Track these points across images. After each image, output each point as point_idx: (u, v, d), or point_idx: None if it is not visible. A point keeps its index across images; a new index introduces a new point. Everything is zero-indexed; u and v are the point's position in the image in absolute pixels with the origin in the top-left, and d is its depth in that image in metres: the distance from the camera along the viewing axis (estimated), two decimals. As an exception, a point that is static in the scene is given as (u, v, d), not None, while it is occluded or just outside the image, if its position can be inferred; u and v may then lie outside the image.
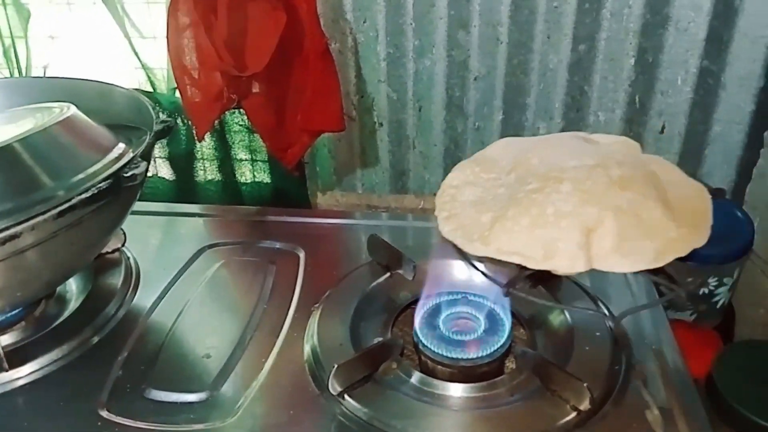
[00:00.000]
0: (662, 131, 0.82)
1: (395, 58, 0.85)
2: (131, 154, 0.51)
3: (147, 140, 0.53)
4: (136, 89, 0.81)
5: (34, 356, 0.52)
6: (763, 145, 0.76)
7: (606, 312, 0.54)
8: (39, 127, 0.50)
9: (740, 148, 0.80)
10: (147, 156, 0.52)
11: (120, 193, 0.49)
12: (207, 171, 0.94)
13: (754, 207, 0.77)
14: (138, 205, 0.65)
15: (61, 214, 0.44)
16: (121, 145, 0.54)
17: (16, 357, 0.52)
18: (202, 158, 0.93)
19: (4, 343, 0.52)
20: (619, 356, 0.50)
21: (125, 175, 0.48)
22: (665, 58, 0.77)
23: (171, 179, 0.94)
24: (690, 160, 0.83)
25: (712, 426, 0.47)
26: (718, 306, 0.61)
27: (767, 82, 0.75)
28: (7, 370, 0.50)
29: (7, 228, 0.42)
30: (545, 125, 0.85)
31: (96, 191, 0.46)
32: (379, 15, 0.82)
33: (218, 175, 0.94)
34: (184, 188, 0.94)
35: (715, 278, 0.59)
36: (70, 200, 0.45)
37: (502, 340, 0.50)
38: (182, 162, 0.92)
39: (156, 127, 0.54)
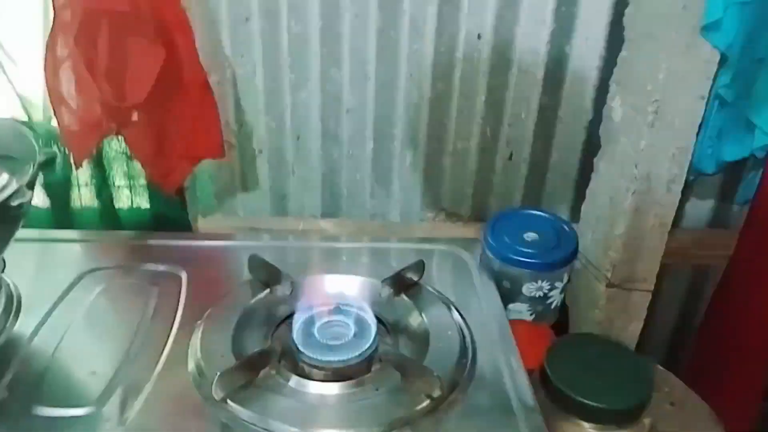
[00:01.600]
0: (510, 158, 0.93)
1: (273, 90, 0.90)
2: (16, 184, 0.53)
3: (32, 170, 0.55)
4: (12, 118, 0.82)
5: None
6: (593, 170, 0.89)
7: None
8: None
9: (575, 172, 0.93)
10: (31, 186, 0.54)
11: (4, 220, 0.51)
12: (84, 198, 0.93)
13: (587, 222, 0.89)
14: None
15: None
16: (5, 175, 0.56)
17: None
18: (79, 185, 0.93)
19: None
20: (466, 351, 0.58)
21: (12, 204, 0.50)
22: (511, 94, 0.88)
23: (47, 207, 0.93)
24: (535, 183, 0.94)
25: (545, 409, 0.56)
26: (552, 306, 0.72)
27: (594, 115, 0.87)
28: None
29: None
30: (411, 153, 0.94)
31: (-20, 219, 0.48)
32: (256, 51, 0.87)
33: (96, 201, 0.94)
34: (61, 216, 0.93)
35: (548, 282, 0.70)
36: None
37: (369, 343, 0.57)
38: (59, 189, 0.92)
39: (39, 158, 0.56)
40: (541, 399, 0.57)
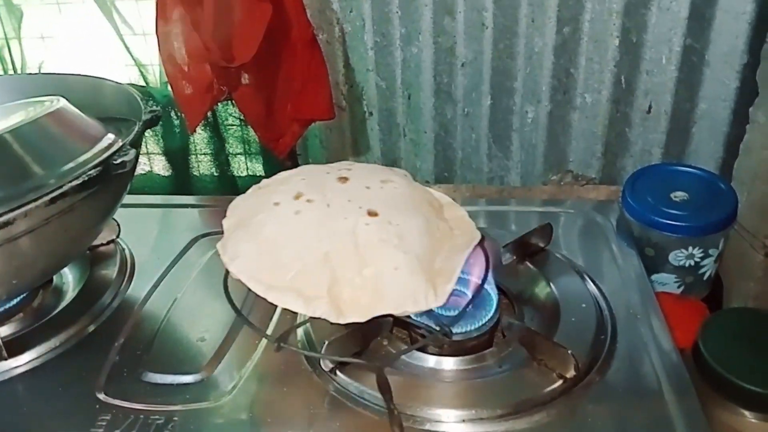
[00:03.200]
0: (649, 111, 0.83)
1: (382, 47, 0.86)
2: (120, 143, 0.52)
3: (136, 129, 0.54)
4: (129, 84, 0.83)
5: (32, 345, 0.53)
6: (748, 120, 0.77)
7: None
8: (29, 118, 0.51)
9: (726, 124, 0.81)
10: (136, 144, 0.53)
11: (110, 180, 0.50)
12: (202, 165, 0.95)
13: (741, 182, 0.78)
14: (132, 198, 0.66)
15: (53, 200, 0.45)
16: (111, 135, 0.55)
17: (14, 346, 0.53)
18: (197, 152, 0.94)
19: (3, 334, 0.53)
20: (604, 327, 0.51)
21: (115, 162, 0.49)
22: (649, 37, 0.78)
23: (167, 174, 0.95)
24: (677, 138, 0.84)
25: (700, 393, 0.48)
26: (705, 278, 0.62)
27: (750, 58, 0.76)
28: (6, 359, 0.51)
29: (1, 215, 0.43)
30: (533, 108, 0.86)
31: (86, 178, 0.47)
32: (365, 4, 0.83)
33: (213, 168, 0.95)
34: (180, 183, 0.95)
35: (701, 249, 0.60)
36: (61, 187, 0.46)
37: (490, 314, 0.51)
38: (177, 157, 0.93)
39: (144, 117, 0.55)
40: (695, 383, 0.49)
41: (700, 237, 0.59)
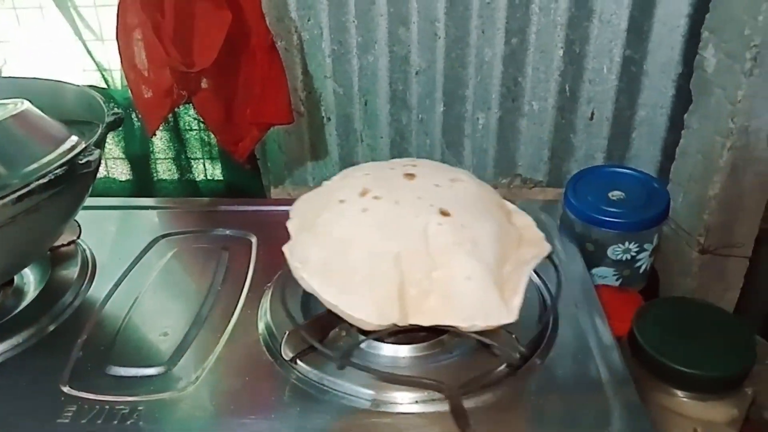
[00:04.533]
0: (591, 117, 0.88)
1: (340, 55, 0.88)
2: (84, 144, 0.53)
3: (100, 130, 0.55)
4: (91, 85, 0.83)
5: (-9, 343, 0.54)
6: (684, 126, 0.82)
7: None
8: (-7, 119, 0.52)
9: (664, 130, 0.86)
10: (99, 145, 0.55)
11: (75, 180, 0.51)
12: (162, 169, 0.95)
13: (678, 183, 0.83)
14: (92, 200, 0.67)
15: (19, 198, 0.47)
16: (74, 137, 0.56)
17: (-28, 346, 0.53)
18: (157, 157, 0.94)
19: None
20: (546, 315, 0.55)
21: (80, 162, 0.50)
22: (591, 48, 0.82)
23: (127, 179, 0.95)
24: (619, 144, 0.89)
25: (636, 377, 0.52)
26: (641, 271, 0.66)
27: (684, 68, 0.81)
28: (-35, 357, 0.52)
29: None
30: (484, 115, 0.90)
31: (53, 177, 0.48)
32: (323, 13, 0.85)
33: (174, 172, 0.96)
34: (140, 187, 0.96)
35: (636, 244, 0.64)
36: (29, 185, 0.47)
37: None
38: (138, 160, 0.94)
39: (107, 119, 0.57)
40: (630, 367, 0.53)
41: (635, 232, 0.64)
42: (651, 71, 0.83)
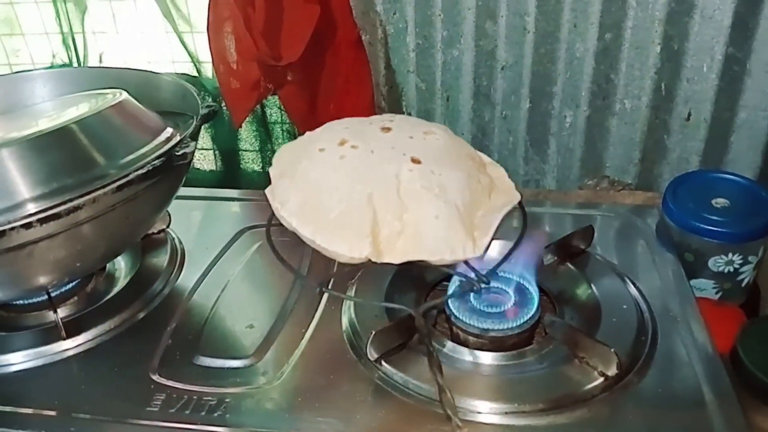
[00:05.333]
0: (688, 118, 0.83)
1: (424, 49, 0.87)
2: (179, 136, 0.54)
3: (195, 122, 0.56)
4: (182, 74, 0.85)
5: (87, 327, 0.56)
6: (788, 131, 0.77)
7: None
8: (94, 110, 0.54)
9: (766, 134, 0.81)
10: (195, 137, 0.55)
11: (171, 170, 0.52)
12: (248, 160, 0.97)
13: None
14: (181, 190, 0.69)
15: (119, 188, 0.48)
16: (169, 129, 0.57)
17: (71, 327, 0.55)
18: (243, 148, 0.96)
19: (60, 315, 0.56)
20: (644, 328, 0.52)
21: (177, 153, 0.51)
22: (691, 45, 0.78)
23: (212, 169, 0.98)
24: (716, 147, 0.84)
25: (739, 399, 0.49)
26: (743, 284, 0.62)
27: (793, 68, 0.76)
28: (65, 339, 0.54)
29: (71, 200, 0.46)
30: (572, 113, 0.87)
31: (151, 168, 0.49)
32: (409, 7, 0.84)
33: (259, 164, 0.97)
34: (227, 177, 0.98)
35: (740, 256, 0.60)
36: (128, 176, 0.48)
37: (531, 313, 0.52)
38: (226, 151, 0.96)
39: (202, 111, 0.57)
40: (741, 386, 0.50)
41: (740, 244, 0.60)
42: (755, 71, 0.78)
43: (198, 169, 0.98)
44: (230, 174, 0.97)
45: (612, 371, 0.46)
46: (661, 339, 0.51)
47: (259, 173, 0.95)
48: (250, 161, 0.95)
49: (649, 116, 0.84)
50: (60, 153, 0.50)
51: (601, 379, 0.47)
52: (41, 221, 0.44)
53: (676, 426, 0.45)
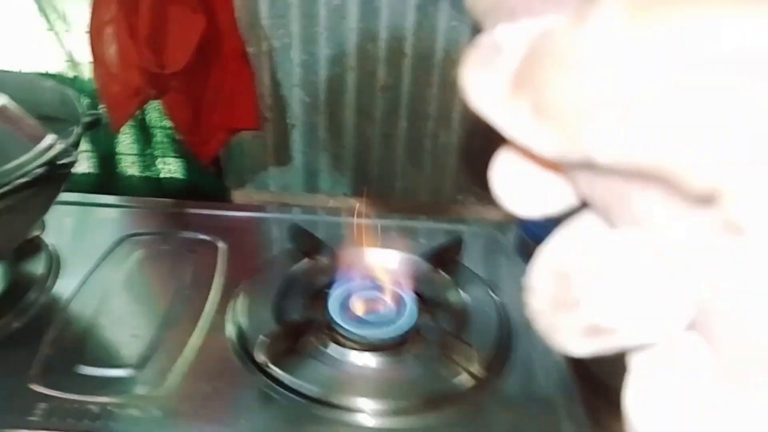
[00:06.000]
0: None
1: (309, 65, 0.90)
2: (63, 144, 0.53)
3: (77, 131, 0.55)
4: (59, 74, 0.82)
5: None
6: None
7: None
8: (-30, 114, 0.52)
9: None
10: (77, 146, 0.55)
11: (51, 179, 0.51)
12: (126, 164, 0.95)
13: None
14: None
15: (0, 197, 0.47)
16: (52, 136, 0.56)
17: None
18: (121, 152, 0.94)
19: None
20: (504, 332, 0.58)
21: (59, 163, 0.51)
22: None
23: (92, 172, 0.95)
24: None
25: (588, 399, 0.56)
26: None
27: None
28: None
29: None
30: (445, 133, 0.94)
31: (33, 177, 0.48)
32: (294, 24, 0.87)
33: (138, 169, 0.95)
34: (104, 181, 0.95)
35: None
36: (7, 184, 0.47)
37: (407, 319, 0.56)
38: (103, 155, 0.93)
39: (84, 119, 0.57)
40: (585, 389, 0.57)
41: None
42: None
43: (75, 172, 0.94)
44: (106, 177, 0.94)
45: (475, 368, 0.52)
46: (519, 344, 0.57)
47: (138, 178, 0.94)
48: (128, 166, 0.93)
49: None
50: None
51: (468, 377, 0.52)
52: None
53: (531, 424, 0.51)
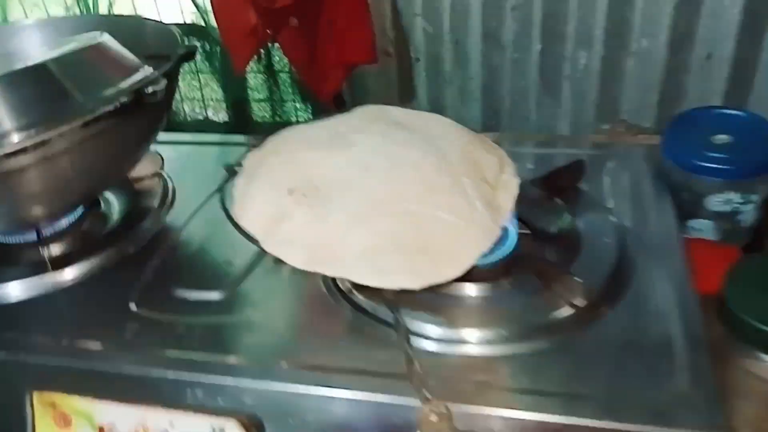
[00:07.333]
0: (708, 57, 0.79)
1: (430, -10, 0.85)
2: (148, 73, 0.54)
3: (172, 62, 0.56)
4: (193, 24, 0.86)
5: (75, 262, 0.57)
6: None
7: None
8: (72, 48, 0.55)
9: (793, 71, 0.76)
10: (171, 76, 0.56)
11: (143, 109, 0.52)
12: (257, 110, 0.98)
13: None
14: (178, 136, 0.70)
15: (86, 124, 0.48)
16: (147, 68, 0.58)
17: (59, 262, 0.57)
18: (252, 98, 0.97)
19: (52, 252, 0.58)
20: (622, 263, 0.50)
21: (147, 92, 0.52)
22: (712, -22, 0.74)
23: (226, 121, 0.99)
24: (738, 87, 0.79)
25: (724, 345, 0.47)
26: (744, 225, 0.58)
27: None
28: (50, 270, 0.56)
29: (39, 134, 0.47)
30: (585, 54, 0.83)
31: (117, 104, 0.50)
32: (412, -54, 0.82)
33: (269, 113, 0.98)
34: (238, 128, 0.99)
35: (739, 194, 0.56)
36: (93, 111, 0.49)
37: (506, 248, 0.50)
38: (235, 101, 0.97)
39: (179, 51, 0.57)
40: (719, 331, 0.47)
41: (739, 181, 0.56)
42: (783, 3, 0.73)
43: (212, 120, 0.99)
44: (242, 123, 0.98)
45: (579, 301, 0.45)
46: (639, 276, 0.49)
47: (269, 122, 0.96)
48: (258, 111, 0.95)
49: (667, 56, 0.80)
50: (36, 89, 0.51)
51: (571, 310, 0.45)
52: (8, 155, 0.46)
53: (638, 364, 0.43)
